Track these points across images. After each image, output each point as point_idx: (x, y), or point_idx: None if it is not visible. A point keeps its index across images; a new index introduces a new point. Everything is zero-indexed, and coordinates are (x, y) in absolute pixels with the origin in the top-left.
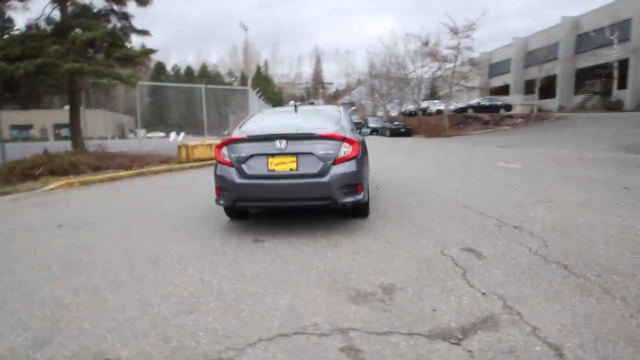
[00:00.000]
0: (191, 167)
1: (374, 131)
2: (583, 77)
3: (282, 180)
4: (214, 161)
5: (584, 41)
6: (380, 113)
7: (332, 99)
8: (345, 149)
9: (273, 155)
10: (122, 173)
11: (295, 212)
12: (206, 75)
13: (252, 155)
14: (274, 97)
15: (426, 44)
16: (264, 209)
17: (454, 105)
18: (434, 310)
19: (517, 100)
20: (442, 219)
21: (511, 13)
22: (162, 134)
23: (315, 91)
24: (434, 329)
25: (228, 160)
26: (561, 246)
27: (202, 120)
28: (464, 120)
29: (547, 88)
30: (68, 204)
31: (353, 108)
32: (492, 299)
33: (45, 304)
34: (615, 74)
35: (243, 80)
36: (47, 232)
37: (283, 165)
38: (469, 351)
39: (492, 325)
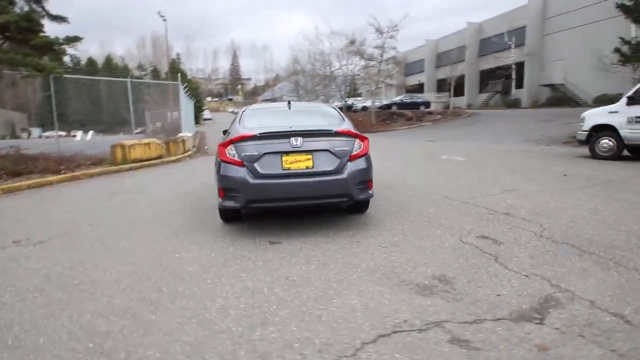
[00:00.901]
0: (130, 169)
1: None
2: (487, 78)
3: (298, 179)
4: (155, 161)
5: (487, 45)
6: None
7: (251, 95)
8: (358, 146)
9: (287, 153)
10: (51, 178)
11: (289, 212)
12: (112, 67)
13: (265, 154)
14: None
15: (353, 42)
16: (268, 210)
17: (378, 102)
18: (498, 295)
19: (431, 98)
20: (436, 210)
21: (419, 16)
22: (62, 133)
23: (233, 87)
24: (512, 312)
25: (237, 159)
26: (556, 228)
27: (111, 116)
28: (389, 117)
29: (457, 87)
30: (4, 215)
31: None
32: (536, 280)
33: (77, 334)
34: (514, 75)
35: (155, 73)
36: (5, 252)
37: (298, 164)
38: (557, 328)
39: (556, 303)
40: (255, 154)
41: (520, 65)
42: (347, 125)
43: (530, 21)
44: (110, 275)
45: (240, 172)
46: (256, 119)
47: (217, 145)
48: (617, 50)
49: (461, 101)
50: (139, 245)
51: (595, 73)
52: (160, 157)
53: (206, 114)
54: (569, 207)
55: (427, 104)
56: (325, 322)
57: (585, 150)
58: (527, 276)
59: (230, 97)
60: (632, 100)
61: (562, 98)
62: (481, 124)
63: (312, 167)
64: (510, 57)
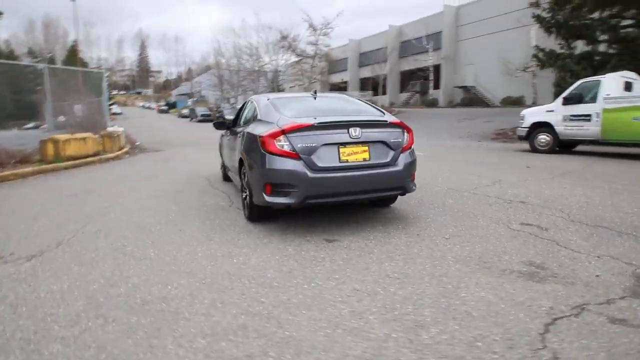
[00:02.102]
0: (67, 167)
1: None
2: (407, 78)
3: (356, 171)
4: (93, 159)
5: (407, 47)
6: (236, 105)
7: (162, 88)
8: (407, 137)
9: (345, 144)
10: None
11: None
12: None
13: (322, 145)
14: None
15: (285, 37)
16: (319, 205)
17: None
18: (597, 275)
19: (355, 96)
20: (456, 201)
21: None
22: None
23: (142, 80)
24: (625, 289)
25: (290, 151)
26: (576, 213)
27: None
28: None
29: (379, 86)
30: None
31: (194, 100)
32: (609, 260)
33: None
34: (431, 76)
35: (50, 62)
36: None
37: (355, 155)
38: None
39: None
40: (313, 145)
41: (437, 68)
42: (391, 117)
43: (445, 27)
44: (177, 289)
45: (297, 165)
46: (290, 107)
47: (259, 136)
48: (534, 56)
49: (383, 100)
50: (177, 252)
51: (501, 77)
52: (97, 154)
53: (115, 108)
54: (565, 195)
55: None
56: (481, 318)
57: (519, 144)
58: (599, 257)
59: (138, 90)
60: (566, 101)
61: (473, 99)
62: (412, 122)
63: (369, 159)
64: (428, 60)
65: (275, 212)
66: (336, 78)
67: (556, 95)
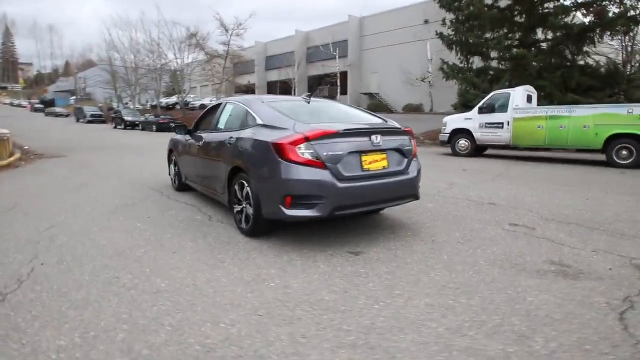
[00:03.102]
0: None
1: (133, 125)
2: (315, 83)
3: (376, 180)
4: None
5: (314, 53)
6: (129, 104)
7: (34, 83)
8: (413, 144)
9: (366, 152)
10: None
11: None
12: None
13: (346, 153)
14: None
15: (193, 35)
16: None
17: (213, 100)
18: (610, 269)
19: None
20: (436, 205)
21: (243, 18)
22: None
23: (9, 73)
24: None
25: (315, 159)
26: (544, 211)
27: None
28: None
29: (286, 90)
30: None
31: (75, 97)
32: (606, 254)
33: None
34: (338, 82)
35: None
36: None
37: (376, 164)
38: None
39: None
40: (339, 153)
41: (344, 74)
42: (396, 123)
43: (350, 36)
44: (234, 327)
45: (325, 175)
46: (296, 112)
47: (273, 143)
48: (440, 68)
49: None
50: (193, 280)
51: (402, 86)
52: None
53: None
54: (518, 195)
55: None
56: (566, 321)
57: (440, 148)
58: (594, 252)
59: (4, 84)
60: (481, 110)
61: (378, 105)
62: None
63: (387, 167)
64: (335, 66)
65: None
66: (243, 80)
67: (457, 105)
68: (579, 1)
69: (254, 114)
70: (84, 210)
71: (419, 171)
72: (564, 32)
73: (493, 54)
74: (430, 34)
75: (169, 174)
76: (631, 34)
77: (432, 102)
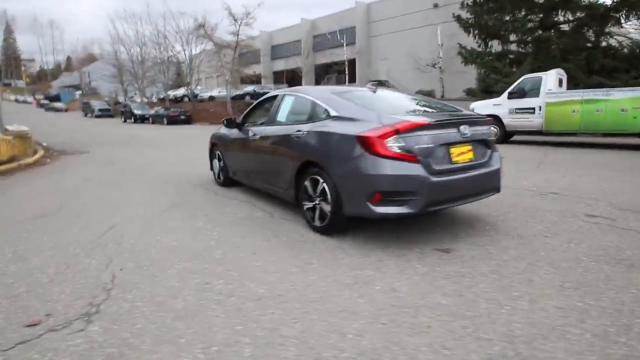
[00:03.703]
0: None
1: (143, 119)
2: (323, 71)
3: (465, 173)
4: (12, 165)
5: (321, 41)
6: (137, 98)
7: (38, 79)
8: (494, 133)
9: (454, 144)
10: None
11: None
12: None
13: (436, 146)
14: None
15: (201, 25)
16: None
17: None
18: None
19: (271, 89)
20: (496, 196)
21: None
22: None
23: (10, 69)
24: None
25: (407, 153)
26: (613, 200)
27: None
28: (245, 107)
29: (294, 79)
30: None
31: (80, 93)
32: None
33: None
34: (347, 70)
35: None
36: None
37: (463, 156)
38: None
39: None
40: (430, 145)
41: (352, 62)
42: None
43: (358, 23)
44: (365, 339)
45: (417, 170)
46: (374, 103)
47: (357, 136)
48: (459, 53)
49: None
50: (290, 284)
51: (412, 72)
52: (12, 159)
53: None
54: (579, 183)
55: None
56: None
57: None
58: None
59: (7, 81)
60: (511, 95)
61: None
62: None
63: (473, 159)
64: (343, 54)
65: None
66: (248, 70)
67: (477, 91)
68: None
69: (325, 106)
70: (135, 210)
71: (501, 161)
72: (588, 13)
73: (512, 37)
74: (440, 18)
75: (211, 169)
76: None
77: (444, 88)
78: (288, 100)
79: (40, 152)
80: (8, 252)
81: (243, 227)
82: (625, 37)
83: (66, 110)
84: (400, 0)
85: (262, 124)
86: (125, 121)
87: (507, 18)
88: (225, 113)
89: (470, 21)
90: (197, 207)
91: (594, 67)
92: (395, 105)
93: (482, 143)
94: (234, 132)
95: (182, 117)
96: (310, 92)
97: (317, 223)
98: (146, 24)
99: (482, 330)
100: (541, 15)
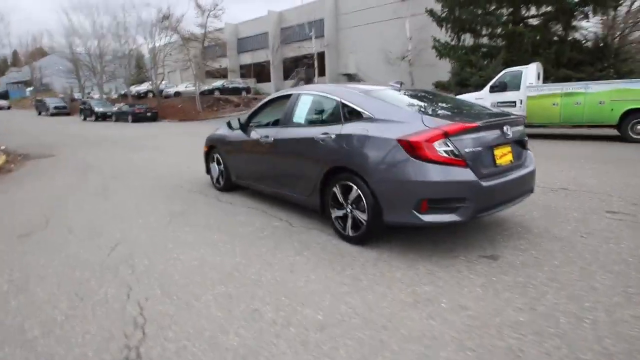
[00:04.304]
0: None
1: (105, 116)
2: (293, 65)
3: (508, 176)
4: None
5: (289, 34)
6: (96, 95)
7: None
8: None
9: (497, 145)
10: None
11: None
12: None
13: (483, 148)
14: None
15: (166, 17)
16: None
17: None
18: None
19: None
20: None
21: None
22: None
23: None
24: None
25: (456, 157)
26: (626, 196)
27: None
28: (215, 103)
29: (262, 73)
30: None
31: (31, 89)
32: None
33: None
34: (316, 64)
35: None
36: None
37: (504, 158)
38: None
39: None
40: (478, 149)
41: (321, 55)
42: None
43: (326, 15)
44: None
45: (467, 175)
46: (410, 103)
47: (401, 139)
48: (433, 47)
49: (268, 87)
50: (346, 306)
51: (382, 65)
52: None
53: None
54: (582, 177)
55: (248, 90)
56: None
57: None
58: None
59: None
60: (492, 89)
61: None
62: None
63: (513, 160)
64: (312, 47)
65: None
66: (214, 64)
67: (452, 84)
68: None
69: (356, 107)
70: (134, 222)
71: (534, 162)
72: (557, 7)
73: (484, 30)
74: (408, 11)
75: (207, 173)
76: (619, 8)
77: (413, 81)
78: (306, 100)
79: (2, 157)
80: (2, 283)
81: (266, 239)
82: (587, 30)
83: (9, 108)
84: None
85: (274, 125)
86: (85, 119)
87: (480, 12)
88: (193, 109)
89: (443, 15)
90: (204, 217)
91: (562, 61)
92: (429, 106)
93: (519, 143)
94: (238, 134)
95: (149, 114)
96: (336, 92)
97: (350, 232)
98: (105, 14)
99: (577, 349)
100: (511, 10)
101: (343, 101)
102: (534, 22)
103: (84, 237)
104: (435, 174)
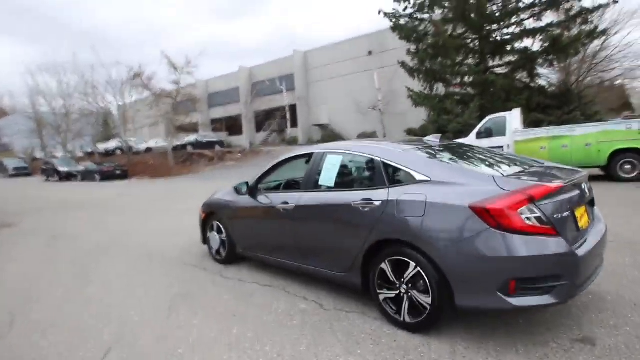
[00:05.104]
0: None
1: (69, 176)
2: (265, 117)
3: (592, 239)
4: None
5: (260, 88)
6: (59, 153)
7: None
8: None
9: (577, 206)
10: None
11: None
12: None
13: (568, 211)
14: None
15: (138, 75)
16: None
17: (156, 143)
18: None
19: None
20: None
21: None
22: None
23: None
24: None
25: (545, 225)
26: None
27: None
28: (188, 158)
29: (233, 126)
30: None
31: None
32: None
33: None
34: (288, 116)
35: None
36: None
37: (584, 219)
38: None
39: None
40: (565, 214)
41: (293, 107)
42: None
43: (296, 70)
44: None
45: (560, 245)
46: (451, 159)
47: (477, 207)
48: (409, 96)
49: (240, 140)
50: None
51: (353, 115)
52: None
53: None
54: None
55: (221, 143)
56: None
57: None
58: None
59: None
60: (479, 135)
61: (331, 135)
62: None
63: (589, 221)
64: (284, 100)
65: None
66: (186, 119)
67: (430, 132)
68: (531, 28)
69: (403, 167)
70: (126, 314)
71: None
72: (523, 57)
73: (455, 80)
74: (375, 64)
75: (205, 243)
76: (579, 56)
77: (385, 129)
78: (334, 160)
79: None
80: None
81: (298, 330)
82: (546, 77)
83: None
84: (335, 48)
85: (290, 189)
86: (47, 179)
87: (449, 63)
88: (166, 165)
89: (415, 67)
90: (212, 301)
91: (531, 105)
92: (488, 162)
93: (591, 202)
94: (245, 199)
95: (118, 172)
96: (372, 150)
97: (407, 318)
98: (72, 74)
99: None
100: (478, 60)
101: (385, 161)
102: (499, 71)
103: (61, 344)
104: (524, 246)
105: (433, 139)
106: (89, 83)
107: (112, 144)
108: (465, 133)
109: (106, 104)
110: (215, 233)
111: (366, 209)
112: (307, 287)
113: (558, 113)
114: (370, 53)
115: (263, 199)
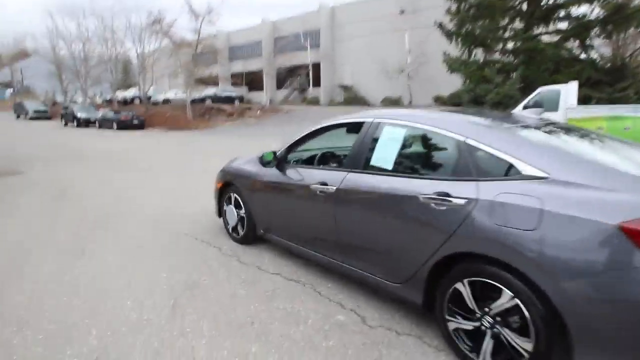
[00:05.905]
0: None
1: (87, 123)
2: (287, 74)
3: None
4: None
5: (283, 43)
6: (79, 99)
7: None
8: None
9: None
10: None
11: None
12: None
13: None
14: None
15: (157, 21)
16: None
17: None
18: None
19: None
20: None
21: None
22: None
23: None
24: None
25: None
26: None
27: None
28: (207, 112)
29: (254, 82)
30: None
31: (11, 92)
32: None
33: None
34: (311, 74)
35: None
36: None
37: None
38: None
39: None
40: None
41: (316, 66)
42: None
43: (322, 26)
44: None
45: None
46: (576, 148)
47: (632, 227)
48: (444, 61)
49: (260, 96)
50: None
51: (378, 78)
52: None
53: None
54: None
55: (241, 99)
56: None
57: None
58: None
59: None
60: (526, 108)
61: (354, 98)
62: (308, 121)
63: None
64: (307, 58)
65: None
66: (205, 72)
67: (465, 101)
68: None
69: (503, 155)
70: (121, 310)
71: None
72: (577, 25)
73: (497, 46)
74: (407, 24)
75: (220, 216)
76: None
77: (411, 95)
78: (394, 134)
79: None
80: None
81: (338, 355)
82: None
83: None
84: (365, 5)
85: (331, 165)
86: (66, 124)
87: (492, 26)
88: (184, 118)
89: (453, 29)
90: (225, 296)
91: (581, 80)
92: (625, 155)
93: None
94: (271, 172)
95: (135, 121)
96: (454, 126)
97: None
98: (91, 17)
99: None
100: (525, 25)
101: (474, 142)
102: (546, 39)
103: (39, 345)
104: None
105: (529, 114)
106: (108, 27)
107: (130, 93)
108: (504, 105)
109: (125, 51)
110: (232, 207)
111: (442, 207)
112: (342, 287)
113: (609, 90)
114: (402, 12)
115: (293, 174)
